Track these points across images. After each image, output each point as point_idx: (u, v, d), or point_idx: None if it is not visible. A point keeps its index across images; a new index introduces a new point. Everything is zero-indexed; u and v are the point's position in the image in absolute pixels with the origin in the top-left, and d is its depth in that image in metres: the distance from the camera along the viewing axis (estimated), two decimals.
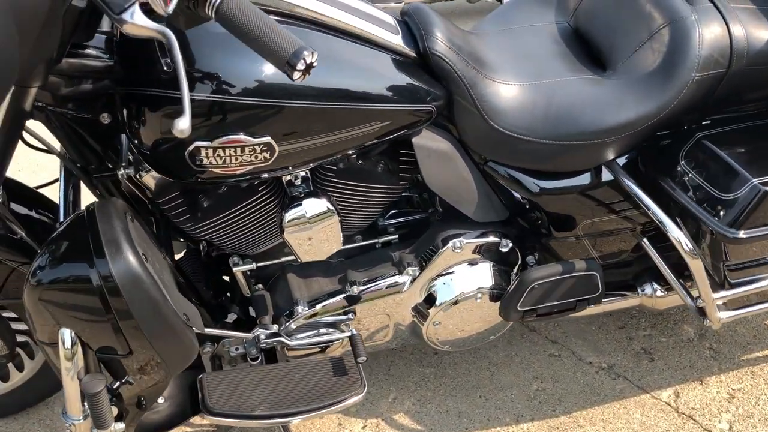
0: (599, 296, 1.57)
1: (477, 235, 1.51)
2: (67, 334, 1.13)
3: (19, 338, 1.55)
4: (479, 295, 1.53)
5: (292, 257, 1.49)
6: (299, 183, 1.36)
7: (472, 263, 1.53)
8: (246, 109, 1.14)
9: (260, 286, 1.53)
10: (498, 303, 1.55)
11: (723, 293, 1.48)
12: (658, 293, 1.67)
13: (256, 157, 1.18)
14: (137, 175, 1.33)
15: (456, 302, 1.52)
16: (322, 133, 1.23)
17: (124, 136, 1.30)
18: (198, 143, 1.14)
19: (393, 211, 1.59)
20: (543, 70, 1.43)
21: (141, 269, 1.12)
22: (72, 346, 1.14)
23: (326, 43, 1.23)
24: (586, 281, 1.53)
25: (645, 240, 1.57)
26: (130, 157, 1.33)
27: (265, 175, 1.26)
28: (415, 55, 1.34)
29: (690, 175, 1.38)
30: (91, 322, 1.15)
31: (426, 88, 1.32)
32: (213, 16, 0.94)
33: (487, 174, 1.47)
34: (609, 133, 1.37)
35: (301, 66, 0.93)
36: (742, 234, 1.32)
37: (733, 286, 1.48)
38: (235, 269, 1.49)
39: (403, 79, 1.30)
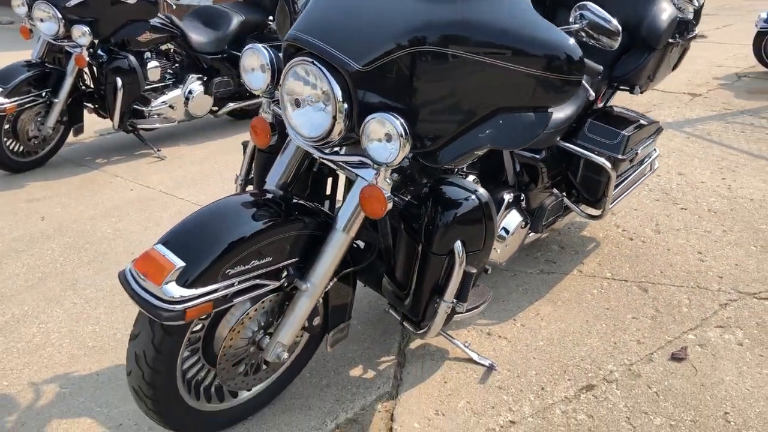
0: (562, 214, 2.98)
1: None
2: (459, 245, 2.02)
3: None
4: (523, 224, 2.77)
5: None
6: None
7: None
8: None
9: None
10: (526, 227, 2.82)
11: (615, 192, 3.02)
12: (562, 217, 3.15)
13: None
14: None
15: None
16: None
17: None
18: None
19: None
20: None
21: (490, 195, 2.08)
22: (461, 252, 2.03)
23: None
24: (560, 204, 2.92)
25: (554, 190, 3.04)
26: None
27: None
28: None
29: (593, 137, 2.90)
30: (473, 232, 2.04)
31: None
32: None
33: None
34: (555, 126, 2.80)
35: None
36: (621, 156, 2.88)
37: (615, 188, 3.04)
38: None
39: None
